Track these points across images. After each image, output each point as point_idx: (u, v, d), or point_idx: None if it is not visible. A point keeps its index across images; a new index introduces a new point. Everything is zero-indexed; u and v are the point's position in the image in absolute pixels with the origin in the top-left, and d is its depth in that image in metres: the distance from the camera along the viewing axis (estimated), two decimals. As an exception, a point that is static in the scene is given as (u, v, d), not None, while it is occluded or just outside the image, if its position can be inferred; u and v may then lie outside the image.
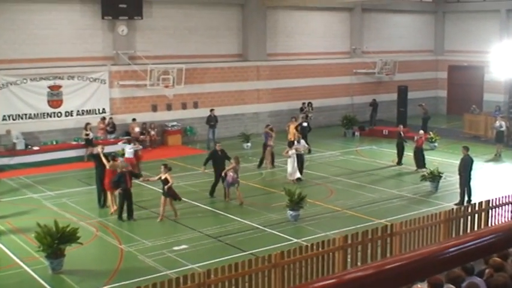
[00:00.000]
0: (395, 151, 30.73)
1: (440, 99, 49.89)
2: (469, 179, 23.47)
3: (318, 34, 43.30)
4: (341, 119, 40.59)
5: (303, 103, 41.11)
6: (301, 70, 42.19)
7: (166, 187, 21.39)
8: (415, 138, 29.91)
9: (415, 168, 29.16)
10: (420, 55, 49.18)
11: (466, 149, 23.89)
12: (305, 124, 34.11)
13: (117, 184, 21.66)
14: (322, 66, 43.31)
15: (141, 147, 29.06)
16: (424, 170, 27.67)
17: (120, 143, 30.34)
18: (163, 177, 21.55)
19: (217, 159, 25.04)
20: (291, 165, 27.08)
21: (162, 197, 21.63)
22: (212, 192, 24.70)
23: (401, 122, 39.29)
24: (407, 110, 40.84)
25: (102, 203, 23.29)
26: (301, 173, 27.40)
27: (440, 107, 49.63)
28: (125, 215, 21.69)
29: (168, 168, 21.75)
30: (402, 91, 41.34)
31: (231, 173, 23.49)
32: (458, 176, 23.94)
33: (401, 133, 30.74)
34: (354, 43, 44.94)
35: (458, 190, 23.73)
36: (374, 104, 42.62)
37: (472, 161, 23.63)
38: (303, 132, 32.50)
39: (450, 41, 49.37)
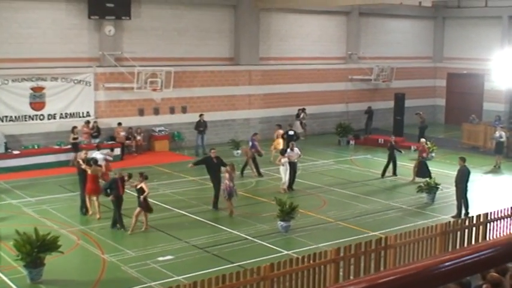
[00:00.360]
0: (386, 162, 30.47)
1: (438, 107, 50.04)
2: (466, 190, 23.52)
3: (313, 38, 43.39)
4: (335, 127, 40.63)
5: (299, 109, 41.19)
6: (294, 75, 42.23)
7: (141, 197, 21.24)
8: (413, 148, 29.91)
9: (411, 178, 29.11)
10: (418, 62, 49.34)
11: (463, 160, 23.93)
12: (291, 132, 33.78)
13: (109, 190, 21.58)
14: (317, 71, 43.37)
15: (111, 158, 28.49)
16: (426, 180, 27.52)
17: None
18: (138, 186, 21.40)
19: (213, 167, 24.69)
20: (284, 173, 27.08)
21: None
22: (215, 204, 24.23)
23: (397, 130, 39.38)
24: (404, 119, 40.88)
25: (85, 210, 23.23)
26: (293, 182, 27.39)
27: (438, 116, 49.77)
28: (109, 223, 21.64)
29: (144, 177, 21.56)
30: (399, 99, 41.41)
31: (227, 181, 23.33)
32: (455, 188, 23.96)
33: (393, 143, 30.57)
34: (350, 48, 45.02)
35: (455, 202, 23.76)
36: (369, 112, 42.71)
37: (469, 172, 23.68)
38: (290, 141, 32.39)
39: (450, 47, 49.55)
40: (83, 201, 23.28)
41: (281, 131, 33.56)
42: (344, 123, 40.68)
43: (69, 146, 31.69)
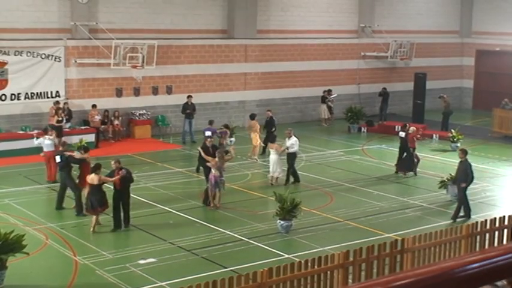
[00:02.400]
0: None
1: (465, 90, 50.08)
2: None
3: (320, 8, 43.33)
4: (345, 112, 40.67)
5: (324, 91, 41.41)
6: (297, 51, 42.22)
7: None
8: (402, 134, 29.75)
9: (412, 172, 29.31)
10: (442, 37, 49.31)
11: (464, 152, 23.47)
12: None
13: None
14: (324, 47, 43.37)
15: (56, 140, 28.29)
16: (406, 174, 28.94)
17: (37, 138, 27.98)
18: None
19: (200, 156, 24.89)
20: (275, 164, 27.06)
21: None
22: (206, 199, 24.28)
23: (417, 116, 39.41)
24: (425, 103, 40.91)
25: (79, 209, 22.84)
26: (296, 176, 27.48)
27: (465, 100, 49.82)
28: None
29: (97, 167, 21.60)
30: (420, 80, 41.43)
31: (213, 171, 23.51)
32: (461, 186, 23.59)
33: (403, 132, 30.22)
34: (363, 20, 45.00)
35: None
36: (384, 94, 42.69)
37: (470, 167, 23.27)
38: (271, 128, 32.24)
39: (480, 20, 49.51)
40: (63, 197, 23.04)
41: (257, 124, 32.42)
42: (355, 108, 40.72)
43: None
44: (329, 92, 41.80)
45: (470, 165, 23.11)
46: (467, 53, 49.92)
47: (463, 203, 23.06)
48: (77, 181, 23.05)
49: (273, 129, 32.16)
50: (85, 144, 25.08)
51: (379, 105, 42.78)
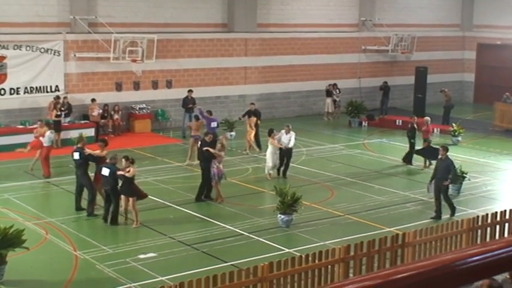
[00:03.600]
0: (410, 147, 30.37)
1: (466, 84, 50.06)
2: (447, 190, 22.91)
3: (320, 2, 43.28)
4: (346, 106, 40.66)
5: (329, 85, 41.38)
6: (298, 45, 42.19)
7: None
8: (436, 130, 29.78)
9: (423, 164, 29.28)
10: (444, 30, 49.27)
11: (446, 149, 22.92)
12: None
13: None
14: (325, 40, 43.33)
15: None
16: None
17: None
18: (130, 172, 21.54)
19: (206, 153, 24.78)
20: (272, 158, 27.10)
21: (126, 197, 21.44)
22: (200, 195, 24.18)
23: (418, 110, 39.37)
24: (426, 97, 40.90)
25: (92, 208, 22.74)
26: (285, 172, 27.57)
27: (467, 94, 49.81)
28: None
29: (131, 161, 21.53)
30: (421, 73, 41.41)
31: (216, 164, 23.50)
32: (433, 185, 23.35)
33: (414, 125, 30.19)
34: (363, 14, 44.96)
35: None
36: (385, 88, 42.68)
37: (453, 166, 22.93)
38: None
39: (481, 13, 49.46)
40: (80, 195, 22.77)
41: (254, 119, 32.46)
42: (356, 102, 40.69)
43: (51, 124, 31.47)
44: (334, 86, 41.75)
45: (452, 162, 22.76)
46: (468, 46, 49.89)
47: (448, 201, 22.56)
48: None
49: (258, 122, 32.15)
50: (105, 138, 25.04)
51: (380, 99, 42.76)
